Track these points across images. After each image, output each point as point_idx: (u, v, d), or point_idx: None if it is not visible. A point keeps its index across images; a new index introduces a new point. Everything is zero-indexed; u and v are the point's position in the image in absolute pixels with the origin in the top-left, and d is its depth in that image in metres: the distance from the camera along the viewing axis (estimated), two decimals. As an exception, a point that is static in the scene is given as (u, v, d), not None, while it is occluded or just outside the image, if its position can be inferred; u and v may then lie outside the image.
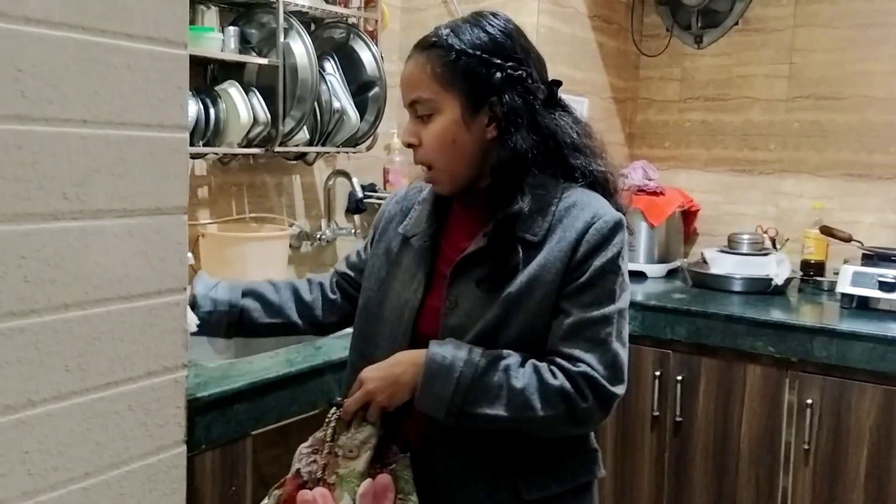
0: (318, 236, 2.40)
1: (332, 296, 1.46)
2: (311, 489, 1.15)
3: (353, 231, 2.48)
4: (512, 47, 1.19)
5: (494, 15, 1.22)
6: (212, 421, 1.43)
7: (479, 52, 1.17)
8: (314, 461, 1.18)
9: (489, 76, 1.17)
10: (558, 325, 1.15)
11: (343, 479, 1.14)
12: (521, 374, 1.12)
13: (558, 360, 1.14)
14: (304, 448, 1.21)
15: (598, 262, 1.15)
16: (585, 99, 2.74)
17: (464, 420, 1.13)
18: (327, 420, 1.21)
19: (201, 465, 1.43)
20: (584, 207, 1.18)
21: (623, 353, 1.17)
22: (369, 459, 1.16)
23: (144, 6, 0.62)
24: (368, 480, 1.14)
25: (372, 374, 1.18)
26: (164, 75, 0.64)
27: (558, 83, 1.27)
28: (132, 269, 0.65)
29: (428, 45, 1.19)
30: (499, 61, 1.17)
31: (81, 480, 0.63)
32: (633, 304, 2.35)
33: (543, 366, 1.14)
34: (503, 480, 1.20)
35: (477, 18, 1.21)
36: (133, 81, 0.62)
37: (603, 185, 1.25)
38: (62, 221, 0.59)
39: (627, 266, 1.21)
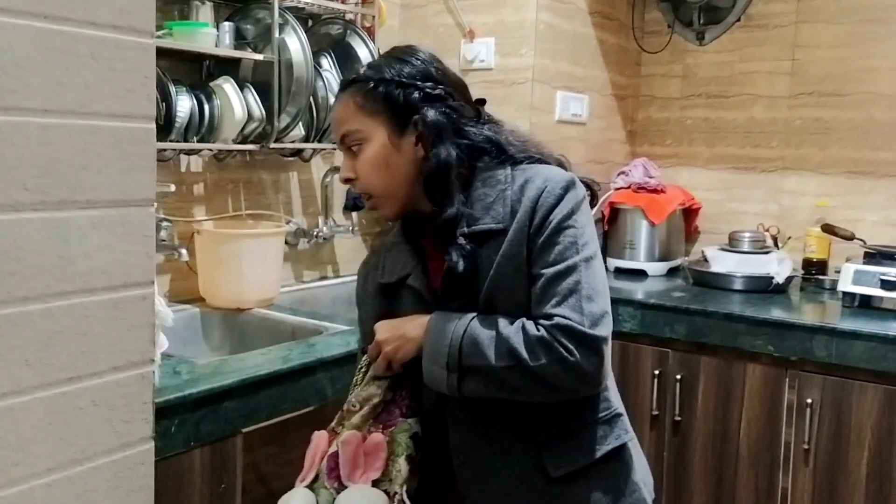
0: (316, 234, 2.39)
1: None
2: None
3: (350, 228, 2.47)
4: (427, 70, 1.26)
5: (411, 48, 1.30)
6: (202, 418, 1.42)
7: (395, 77, 1.24)
8: (339, 415, 1.28)
9: (408, 96, 1.23)
10: (534, 291, 1.18)
11: (343, 429, 1.22)
12: (508, 327, 1.16)
13: (538, 318, 1.16)
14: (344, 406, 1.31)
15: (554, 220, 1.18)
16: (586, 96, 2.72)
17: (465, 378, 1.16)
18: (359, 367, 1.29)
19: (191, 462, 1.42)
20: (534, 178, 1.22)
21: (598, 298, 1.17)
22: (365, 415, 1.22)
23: (110, -6, 0.61)
24: (354, 431, 1.21)
25: (383, 325, 1.25)
26: (131, 65, 0.63)
27: (482, 101, 1.34)
28: (96, 262, 0.64)
29: (348, 83, 1.27)
30: (417, 82, 1.24)
31: (44, 476, 0.62)
32: (632, 303, 2.35)
33: (529, 321, 1.16)
34: (531, 462, 1.20)
35: (394, 51, 1.31)
36: (98, 71, 0.61)
37: (555, 163, 1.30)
38: (23, 213, 0.58)
39: (589, 219, 1.22)
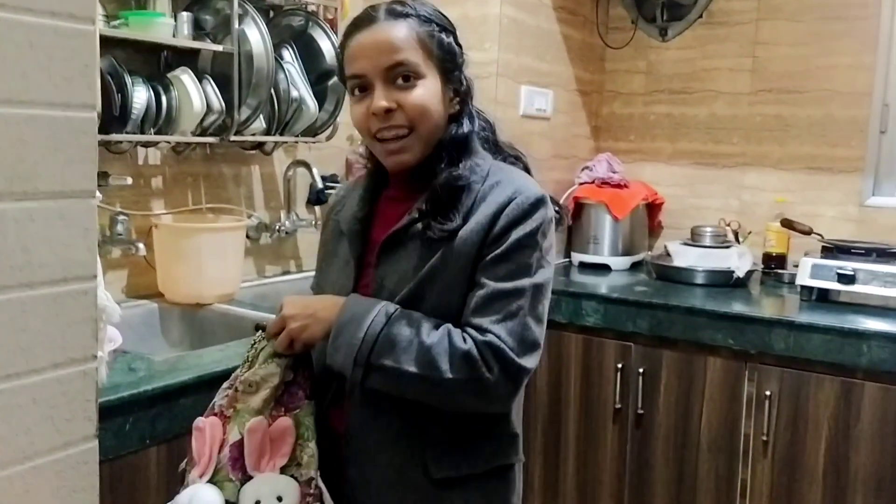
0: (278, 228, 2.37)
1: None
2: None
3: (313, 223, 2.45)
4: (456, 34, 1.27)
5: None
6: (157, 416, 1.40)
7: (450, 29, 1.24)
8: (226, 395, 1.18)
9: (457, 53, 1.23)
10: (472, 297, 1.15)
11: (238, 413, 1.15)
12: (432, 333, 1.12)
13: (469, 329, 1.13)
14: (225, 384, 1.21)
15: (516, 235, 1.15)
16: (551, 91, 2.73)
17: (371, 374, 1.13)
18: (251, 346, 1.21)
19: (146, 459, 1.40)
20: (506, 184, 1.20)
21: (536, 328, 1.16)
22: (267, 398, 1.15)
23: (48, -20, 0.59)
24: (260, 418, 1.14)
25: (293, 301, 1.21)
26: (70, 52, 0.60)
27: None
28: (34, 256, 0.61)
29: (402, 14, 1.20)
30: (457, 44, 1.24)
31: (-19, 476, 0.60)
32: (595, 297, 2.36)
33: (456, 331, 1.13)
34: (413, 458, 1.18)
35: (429, 3, 1.26)
36: (34, 58, 0.58)
37: (527, 169, 1.31)
38: (-44, 205, 0.56)
39: (551, 244, 1.20)
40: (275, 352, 1.18)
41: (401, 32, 1.18)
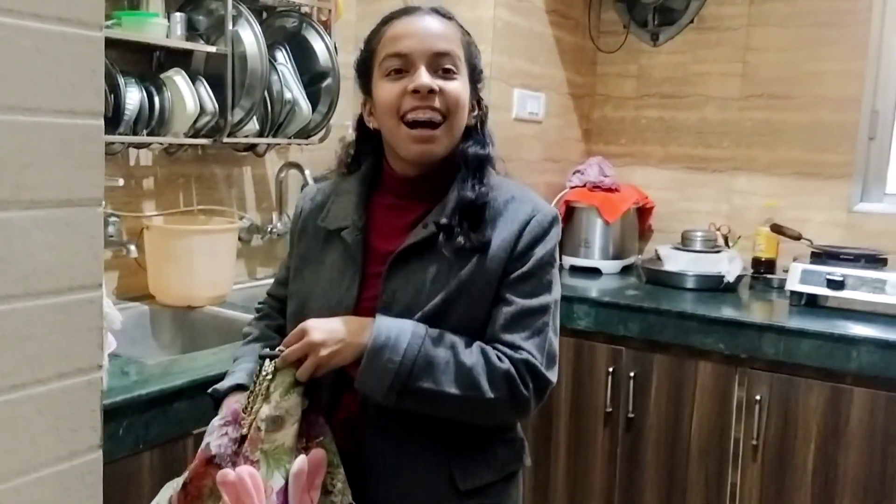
0: (270, 229, 2.36)
1: (281, 323, 1.36)
2: (222, 467, 1.06)
3: (305, 224, 2.44)
4: None
5: None
6: (151, 420, 1.39)
7: (475, 46, 1.26)
8: (225, 434, 1.08)
9: (481, 69, 1.26)
10: (499, 314, 1.16)
11: (269, 455, 1.05)
12: (468, 353, 1.12)
13: (501, 346, 1.14)
14: (216, 420, 1.12)
15: (539, 253, 1.18)
16: (543, 94, 2.73)
17: (406, 398, 1.10)
18: (257, 379, 1.10)
19: (140, 464, 1.39)
20: (523, 201, 1.21)
21: (556, 342, 1.20)
22: (296, 433, 1.07)
23: (56, -15, 0.58)
24: (302, 458, 1.06)
25: (319, 325, 1.11)
26: (77, 59, 0.60)
27: None
28: (40, 264, 0.61)
29: (449, 16, 1.23)
30: (481, 60, 1.27)
31: (-14, 487, 0.59)
32: (587, 300, 2.36)
33: (489, 349, 1.14)
34: (439, 470, 1.18)
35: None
36: (42, 65, 0.58)
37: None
38: (-38, 214, 0.55)
39: (558, 263, 1.25)
40: (289, 380, 1.09)
41: (450, 29, 1.21)
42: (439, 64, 1.17)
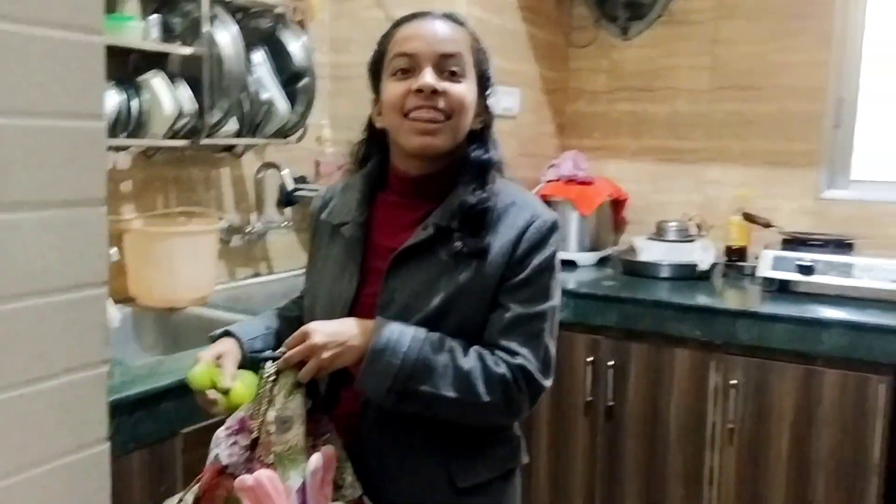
0: (249, 230, 2.36)
1: (295, 314, 1.40)
2: (236, 476, 1.07)
3: (284, 224, 2.45)
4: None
5: None
6: (139, 420, 1.40)
7: (486, 52, 1.27)
8: (234, 443, 1.10)
9: (492, 77, 1.27)
10: (498, 319, 1.18)
11: (283, 457, 1.07)
12: (466, 358, 1.15)
13: (498, 352, 1.17)
14: (221, 432, 1.12)
15: (537, 259, 1.20)
16: (517, 90, 2.76)
17: (404, 400, 1.13)
18: (262, 381, 1.11)
19: (129, 465, 1.40)
20: (523, 206, 1.23)
21: (553, 347, 1.22)
22: (305, 432, 1.09)
23: (59, -8, 0.60)
24: (318, 455, 1.08)
25: (321, 328, 1.14)
26: (82, 63, 0.61)
27: None
28: (49, 263, 0.62)
29: (460, 21, 1.25)
30: (491, 67, 1.28)
31: (1, 480, 0.61)
32: (565, 292, 2.40)
33: (487, 353, 1.16)
34: (438, 468, 1.20)
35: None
36: (51, 70, 0.59)
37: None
38: (-26, 216, 0.56)
39: (560, 265, 1.26)
40: (291, 382, 1.11)
41: (459, 33, 1.23)
42: (445, 66, 1.19)
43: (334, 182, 1.42)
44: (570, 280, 2.57)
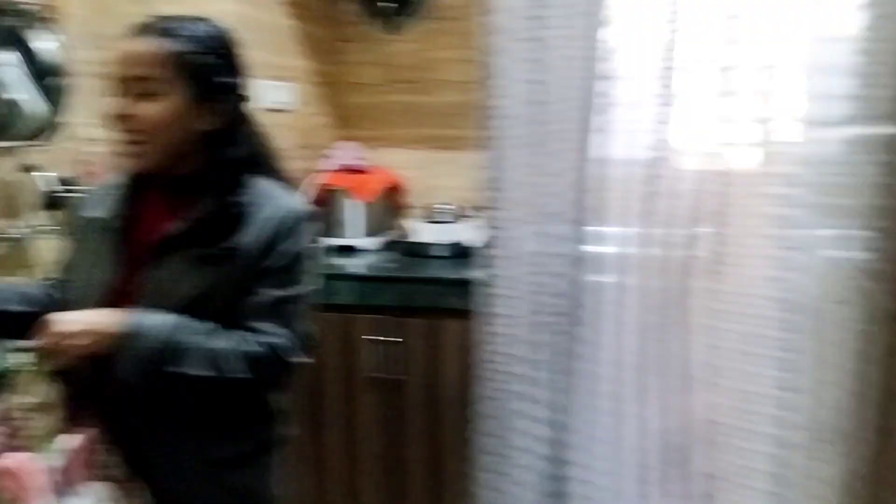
0: (10, 235, 2.25)
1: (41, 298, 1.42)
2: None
3: (49, 228, 2.35)
4: (236, 57, 1.33)
5: (217, 24, 1.34)
6: None
7: (211, 53, 1.28)
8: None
9: (217, 75, 1.29)
10: (250, 303, 1.28)
11: (40, 440, 1.14)
12: (217, 339, 1.23)
13: (251, 332, 1.27)
14: None
15: (287, 248, 1.29)
16: (291, 84, 2.83)
17: (159, 381, 1.20)
18: (13, 370, 1.19)
19: None
20: (274, 201, 1.31)
21: (306, 327, 1.33)
22: (61, 417, 1.16)
23: None
24: (75, 435, 1.14)
25: (69, 317, 1.19)
26: None
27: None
28: None
29: (162, 32, 1.26)
30: (226, 66, 1.30)
31: None
32: (346, 276, 2.51)
33: (239, 334, 1.25)
34: (194, 444, 1.28)
35: (203, 21, 1.32)
36: None
37: (288, 183, 1.40)
38: None
39: (317, 251, 1.36)
40: (44, 370, 1.16)
41: (149, 49, 1.24)
42: (133, 89, 1.24)
43: (105, 181, 1.44)
44: (351, 265, 2.68)
